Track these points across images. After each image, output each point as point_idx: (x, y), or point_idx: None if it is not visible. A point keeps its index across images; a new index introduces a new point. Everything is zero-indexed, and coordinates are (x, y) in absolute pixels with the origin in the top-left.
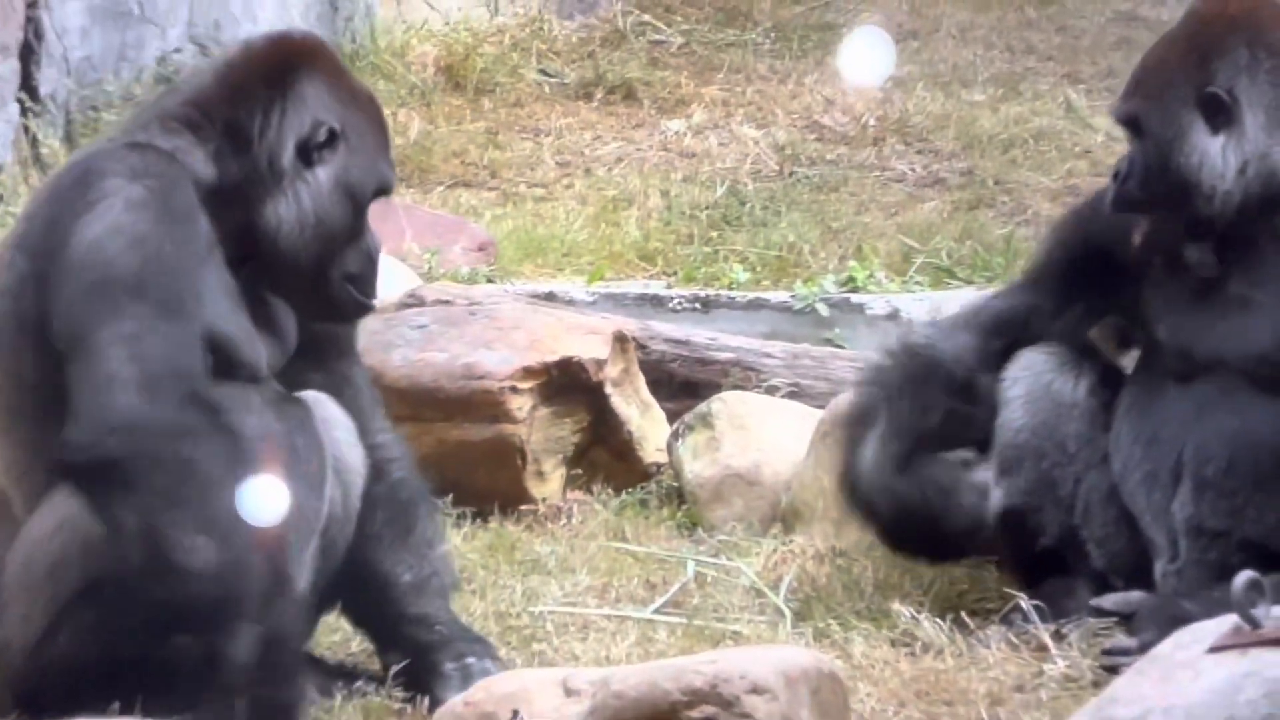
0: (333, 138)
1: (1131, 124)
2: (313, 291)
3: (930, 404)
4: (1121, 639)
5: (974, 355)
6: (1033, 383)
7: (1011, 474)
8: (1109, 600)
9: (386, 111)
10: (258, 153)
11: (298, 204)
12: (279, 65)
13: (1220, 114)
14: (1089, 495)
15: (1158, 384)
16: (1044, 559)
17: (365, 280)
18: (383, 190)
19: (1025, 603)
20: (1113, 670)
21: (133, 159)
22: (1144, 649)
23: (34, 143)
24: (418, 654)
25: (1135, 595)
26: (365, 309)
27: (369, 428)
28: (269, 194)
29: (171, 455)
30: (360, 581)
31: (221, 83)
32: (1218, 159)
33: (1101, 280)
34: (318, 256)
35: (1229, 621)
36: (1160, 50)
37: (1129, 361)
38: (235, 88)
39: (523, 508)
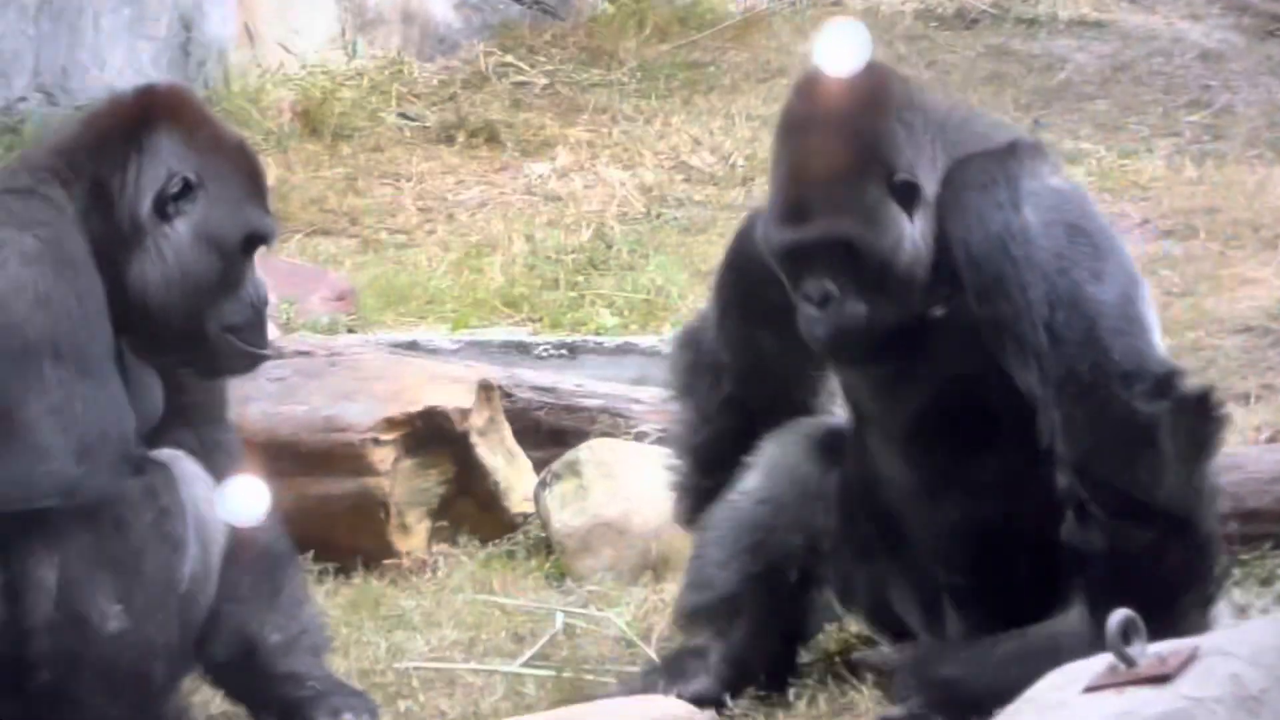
0: (188, 188)
1: (844, 246)
2: (194, 349)
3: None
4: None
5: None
6: (777, 460)
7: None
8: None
9: None
10: (119, 210)
11: (161, 260)
12: (138, 118)
13: (912, 198)
14: (846, 582)
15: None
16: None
17: (250, 331)
18: (256, 237)
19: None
20: None
21: (16, 206)
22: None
23: None
24: (291, 712)
25: (892, 656)
26: (255, 359)
27: None
28: (134, 253)
29: (104, 518)
30: (227, 644)
31: (85, 137)
32: (921, 245)
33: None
34: (189, 312)
35: (1104, 660)
36: (802, 156)
37: None
38: (97, 142)
39: (386, 562)
